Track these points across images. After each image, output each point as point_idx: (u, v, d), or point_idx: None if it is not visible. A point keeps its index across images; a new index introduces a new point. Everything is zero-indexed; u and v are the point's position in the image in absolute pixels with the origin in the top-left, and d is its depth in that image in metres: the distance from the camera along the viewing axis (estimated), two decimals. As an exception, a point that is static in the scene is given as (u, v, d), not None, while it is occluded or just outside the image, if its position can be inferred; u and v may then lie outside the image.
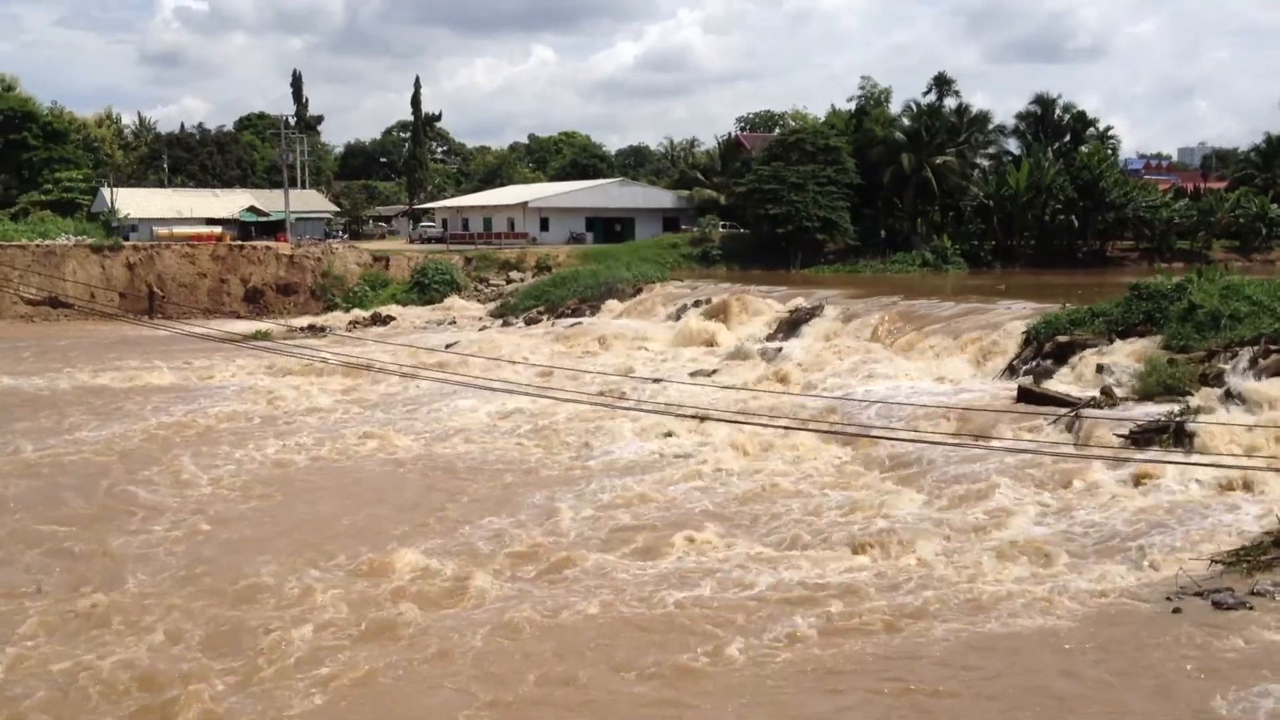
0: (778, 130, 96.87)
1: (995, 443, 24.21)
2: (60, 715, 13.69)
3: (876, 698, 13.80)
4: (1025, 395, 28.75)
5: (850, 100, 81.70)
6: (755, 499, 23.28)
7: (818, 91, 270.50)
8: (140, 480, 25.21)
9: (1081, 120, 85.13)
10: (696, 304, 50.42)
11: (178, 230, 78.90)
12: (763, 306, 47.43)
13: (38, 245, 70.15)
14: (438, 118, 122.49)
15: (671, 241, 77.24)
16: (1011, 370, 33.38)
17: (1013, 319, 36.93)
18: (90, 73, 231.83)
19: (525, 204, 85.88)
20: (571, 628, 16.23)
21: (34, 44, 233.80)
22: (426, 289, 67.98)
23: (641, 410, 29.42)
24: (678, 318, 49.37)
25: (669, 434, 29.22)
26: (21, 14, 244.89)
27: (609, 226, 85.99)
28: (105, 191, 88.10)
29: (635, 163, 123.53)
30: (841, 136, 76.74)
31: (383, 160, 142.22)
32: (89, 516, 22.37)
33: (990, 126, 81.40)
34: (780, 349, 39.81)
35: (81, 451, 28.21)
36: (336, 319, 61.78)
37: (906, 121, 78.40)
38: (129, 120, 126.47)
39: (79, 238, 74.07)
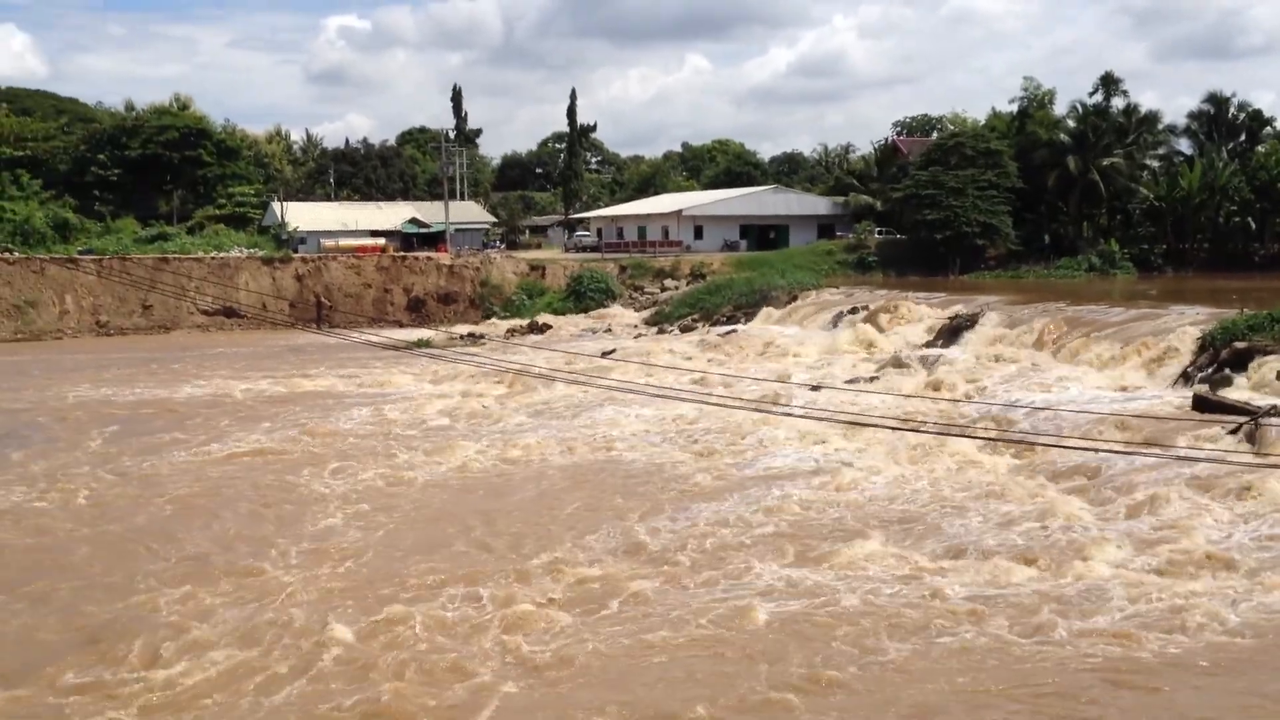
0: (935, 134, 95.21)
1: (1171, 452, 23.28)
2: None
3: (1051, 716, 13.37)
4: (1201, 403, 27.60)
5: (1012, 102, 79.85)
6: (917, 508, 22.80)
7: (977, 94, 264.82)
8: (303, 482, 25.98)
9: (1258, 119, 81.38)
10: (853, 311, 49.79)
11: (343, 242, 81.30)
12: (921, 313, 46.61)
13: (212, 258, 73.18)
14: (593, 128, 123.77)
15: (826, 248, 76.49)
16: (1186, 378, 32.09)
17: (1186, 325, 35.49)
18: (260, 92, 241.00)
19: (679, 212, 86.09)
20: (734, 634, 16.11)
21: (207, 65, 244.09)
22: (582, 297, 68.69)
23: (799, 417, 29.17)
24: (834, 325, 48.83)
25: (827, 441, 28.91)
26: (196, 37, 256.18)
27: (763, 234, 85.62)
28: (275, 205, 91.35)
29: (789, 170, 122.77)
30: (1003, 139, 74.96)
31: (538, 171, 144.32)
32: (264, 512, 23.20)
33: (1160, 127, 78.47)
34: (940, 356, 39.05)
35: (263, 454, 29.33)
36: (495, 327, 62.81)
37: (1071, 123, 76.13)
38: (297, 136, 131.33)
39: (251, 250, 77.01)
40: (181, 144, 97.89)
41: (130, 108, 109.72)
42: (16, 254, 69.42)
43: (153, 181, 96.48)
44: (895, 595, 17.54)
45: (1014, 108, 79.20)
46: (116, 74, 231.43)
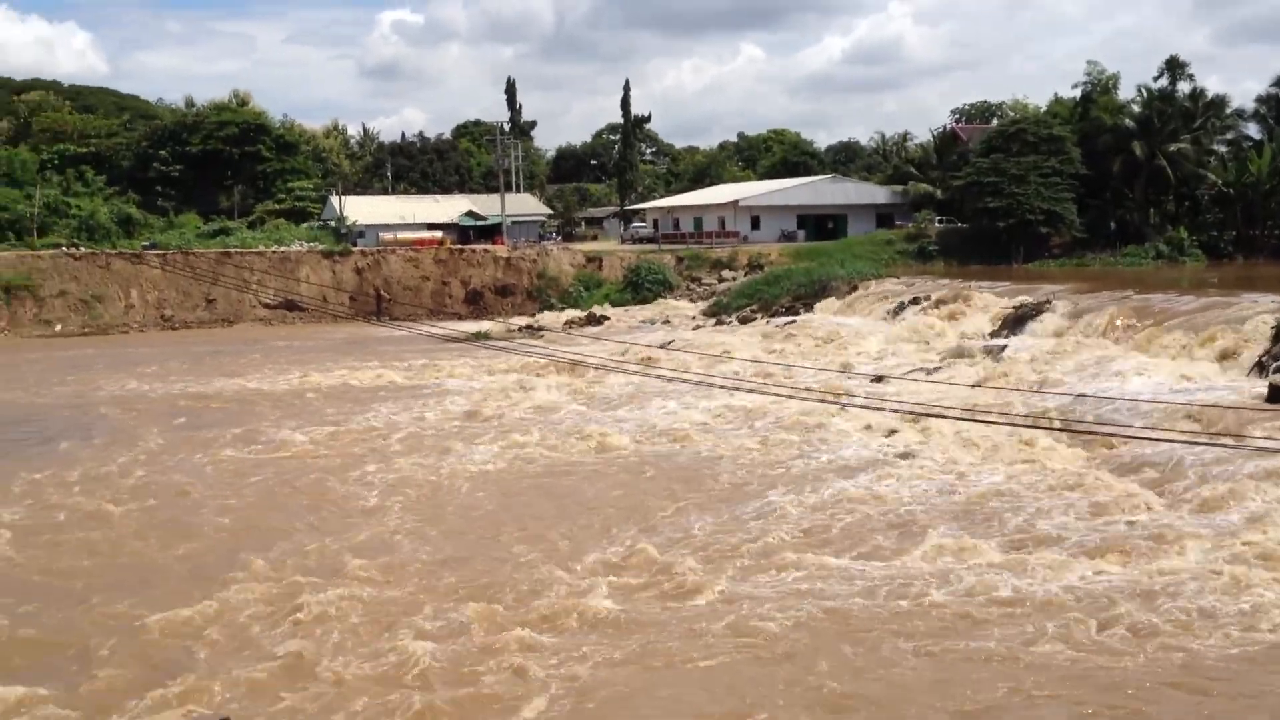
0: (995, 121, 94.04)
1: (1246, 443, 22.69)
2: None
3: (1125, 714, 13.05)
4: (1277, 394, 26.92)
5: (1075, 87, 78.41)
6: (985, 500, 22.43)
7: (1036, 80, 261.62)
8: (359, 475, 26.05)
9: (1329, 102, 79.36)
10: (915, 300, 49.24)
11: (401, 235, 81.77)
12: (985, 302, 45.97)
13: (274, 252, 73.88)
14: (647, 119, 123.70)
15: (886, 238, 75.79)
16: (1261, 368, 31.31)
17: (1261, 313, 34.66)
18: (316, 87, 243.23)
19: (736, 203, 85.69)
20: (799, 630, 15.89)
21: (265, 61, 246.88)
22: (639, 289, 68.58)
23: (862, 408, 28.86)
24: (895, 315, 48.33)
25: (891, 432, 28.60)
26: (253, 33, 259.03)
27: (821, 224, 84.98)
28: (334, 199, 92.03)
29: (845, 158, 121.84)
30: (1065, 125, 73.76)
31: (593, 163, 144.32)
32: (322, 505, 23.29)
33: (1227, 111, 76.73)
34: (1005, 346, 38.47)
35: (323, 446, 29.49)
36: (552, 319, 62.93)
37: (1136, 108, 74.75)
38: (354, 131, 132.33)
39: (311, 244, 77.65)
40: (241, 139, 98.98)
41: (190, 104, 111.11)
42: (83, 249, 70.44)
43: (213, 177, 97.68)
44: (962, 589, 17.24)
45: (1076, 93, 77.90)
46: (176, 71, 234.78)
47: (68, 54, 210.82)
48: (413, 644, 15.35)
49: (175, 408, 36.35)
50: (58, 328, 63.63)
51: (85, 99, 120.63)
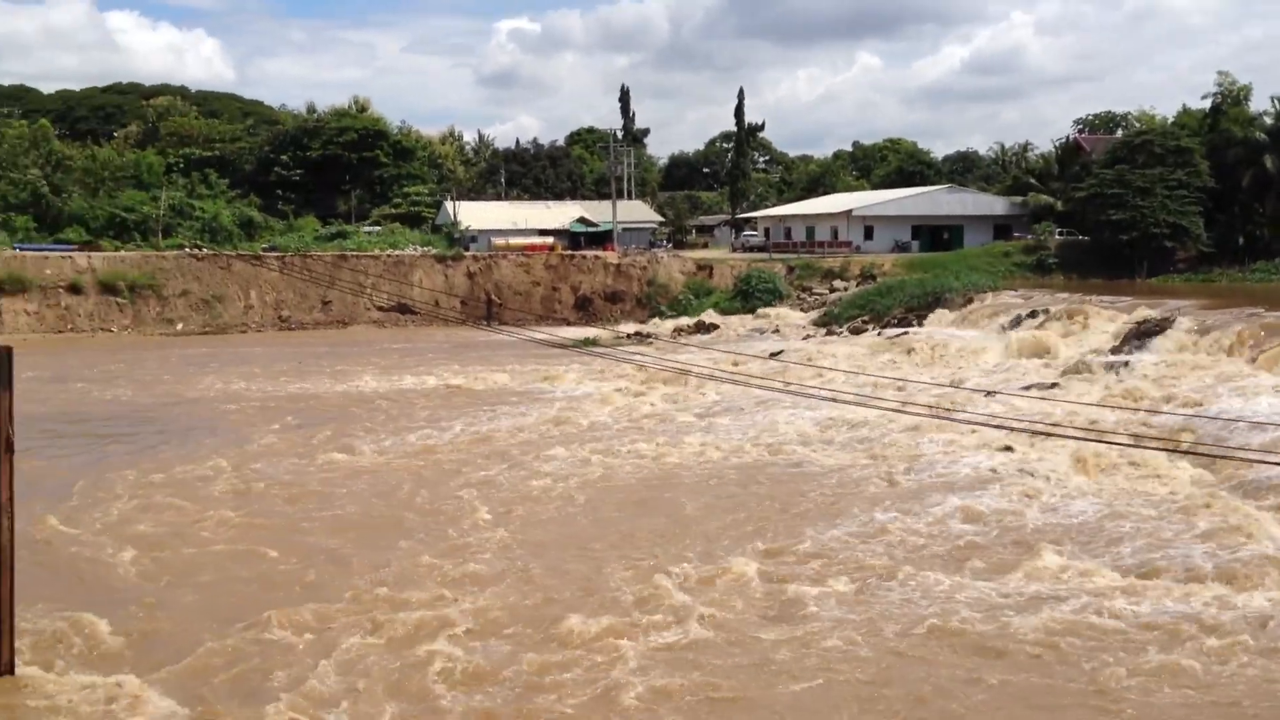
0: (1119, 132, 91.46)
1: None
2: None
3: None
4: None
5: (1204, 98, 75.87)
6: (1103, 521, 21.71)
7: (1160, 92, 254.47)
8: (467, 481, 26.04)
9: None
10: (1032, 314, 47.96)
11: (513, 241, 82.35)
12: (1106, 317, 44.55)
13: (388, 255, 74.96)
14: (760, 128, 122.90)
15: (1003, 250, 74.08)
16: (1402, 389, 29.77)
17: (1402, 332, 32.99)
18: (434, 94, 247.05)
19: (849, 212, 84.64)
20: (911, 648, 15.40)
21: (384, 69, 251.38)
22: (749, 297, 68.01)
23: (976, 423, 28.08)
24: (1012, 328, 47.11)
25: (1006, 449, 27.80)
26: (374, 42, 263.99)
27: (936, 234, 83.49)
28: (448, 204, 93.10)
29: (963, 169, 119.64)
30: (1193, 137, 71.39)
31: (705, 171, 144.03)
32: (435, 506, 23.33)
33: (1365, 124, 73.49)
34: (1126, 363, 37.21)
35: (434, 450, 29.68)
36: (661, 326, 62.73)
37: (1269, 120, 72.05)
38: (469, 137, 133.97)
39: (424, 248, 78.65)
40: (360, 145, 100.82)
41: (311, 110, 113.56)
42: (205, 250, 72.25)
43: (332, 181, 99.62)
44: (1077, 612, 16.67)
45: (1205, 104, 75.35)
46: (299, 78, 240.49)
47: (196, 60, 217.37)
48: (517, 653, 15.16)
49: (288, 407, 36.92)
50: (179, 326, 65.28)
51: (211, 104, 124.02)
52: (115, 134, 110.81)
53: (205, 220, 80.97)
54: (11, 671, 13.86)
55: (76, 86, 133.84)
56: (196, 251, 71.47)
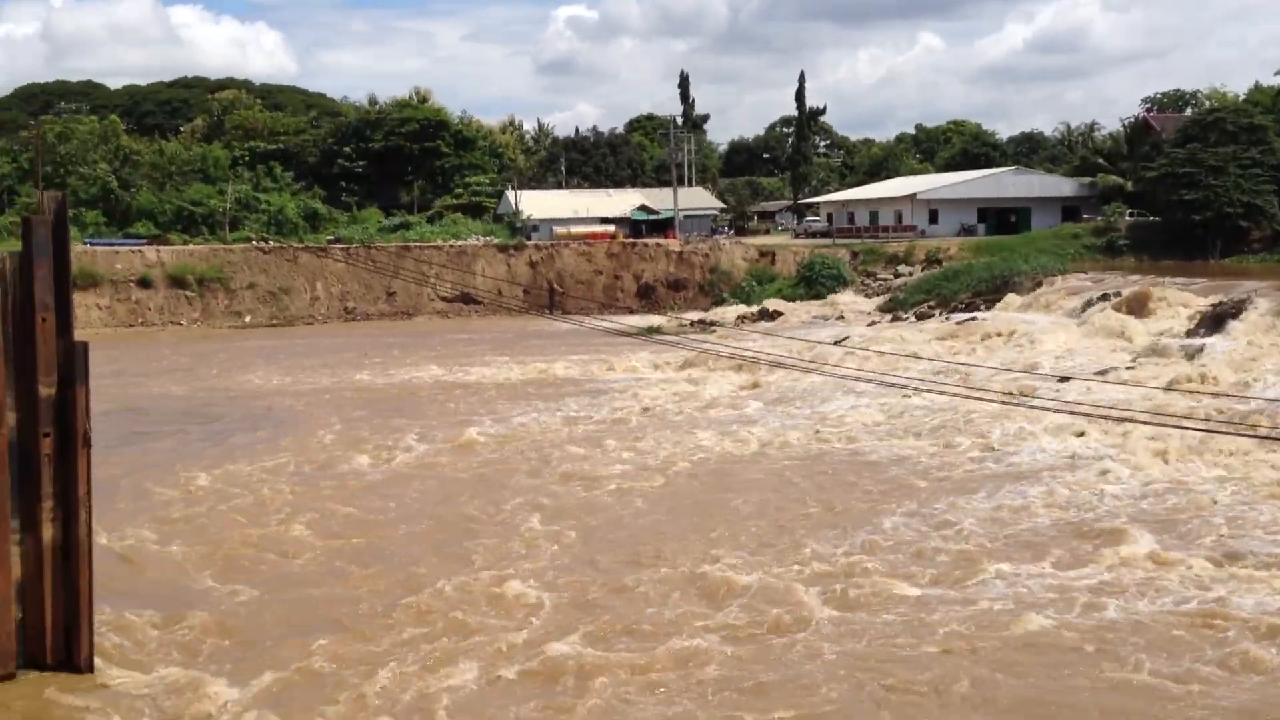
0: (1189, 110, 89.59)
1: None
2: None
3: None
4: None
5: (1278, 74, 74.16)
6: (1183, 509, 21.18)
7: (1231, 68, 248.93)
8: (538, 472, 25.95)
9: None
10: (1104, 297, 47.00)
11: (574, 229, 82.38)
12: (1180, 300, 43.56)
13: (451, 246, 75.31)
14: (822, 112, 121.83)
15: (1072, 232, 72.86)
16: None
17: None
18: (493, 83, 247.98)
19: (913, 196, 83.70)
20: (993, 646, 15.03)
21: (445, 59, 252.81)
22: (813, 284, 67.42)
23: (1048, 409, 27.52)
24: (1083, 312, 46.21)
25: (1080, 435, 27.23)
26: (434, 31, 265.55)
27: (1002, 217, 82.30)
28: (509, 194, 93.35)
29: (1028, 150, 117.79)
30: (1267, 114, 69.74)
31: (766, 156, 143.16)
32: (502, 496, 23.26)
33: None
34: (1202, 346, 36.30)
35: (501, 441, 29.61)
36: (724, 314, 62.42)
37: (1347, 95, 70.27)
38: (529, 126, 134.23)
39: (487, 238, 78.90)
40: (421, 136, 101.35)
41: (373, 101, 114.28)
42: (271, 243, 73.00)
43: (394, 172, 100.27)
44: (1158, 603, 16.25)
45: (1278, 81, 73.58)
46: (360, 69, 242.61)
47: (258, 54, 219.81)
48: (582, 650, 15.01)
49: (355, 399, 37.11)
50: (247, 319, 66.01)
51: (274, 97, 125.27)
52: (181, 128, 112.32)
53: (271, 213, 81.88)
54: (90, 668, 13.92)
55: (143, 82, 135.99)
56: (263, 244, 72.24)
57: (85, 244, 68.02)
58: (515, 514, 21.98)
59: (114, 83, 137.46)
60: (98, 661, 14.09)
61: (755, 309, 62.50)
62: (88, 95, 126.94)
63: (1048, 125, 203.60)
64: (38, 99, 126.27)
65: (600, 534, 20.54)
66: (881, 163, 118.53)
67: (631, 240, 79.48)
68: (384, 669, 14.22)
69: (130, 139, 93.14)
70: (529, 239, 79.78)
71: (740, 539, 20.09)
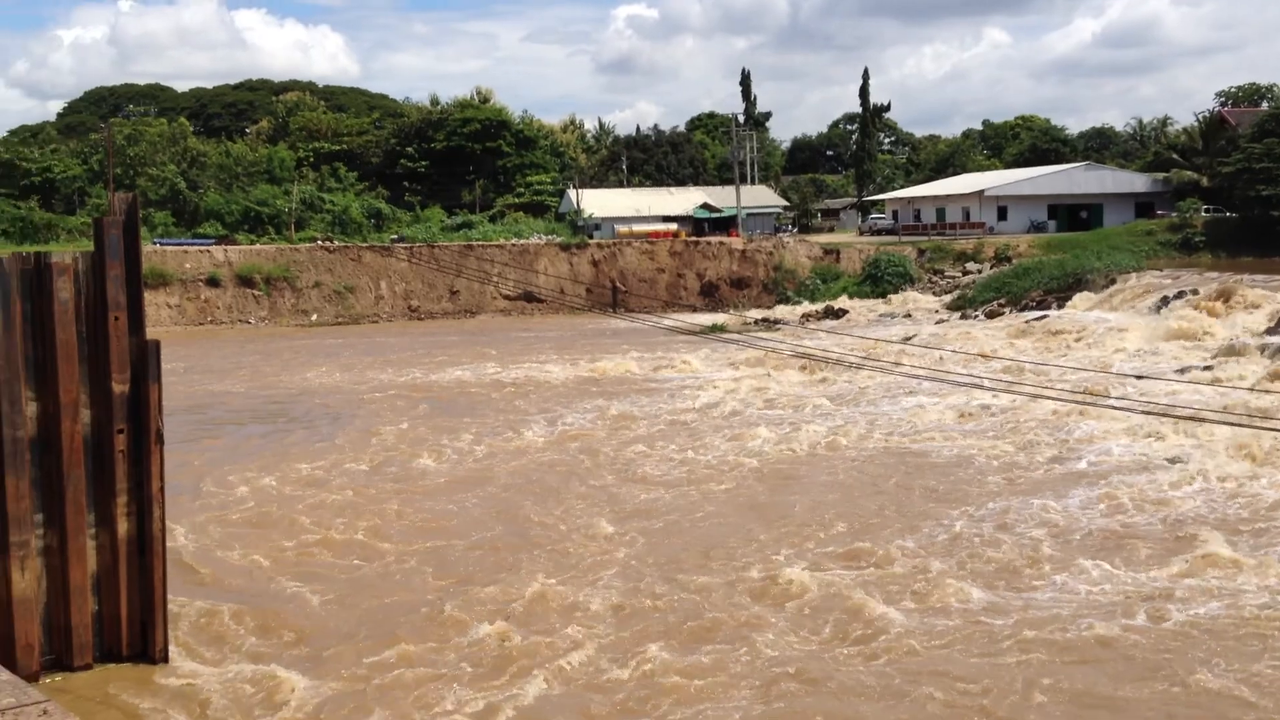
0: (1266, 104, 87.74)
1: None
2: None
3: None
4: None
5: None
6: (1265, 513, 20.47)
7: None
8: (600, 473, 25.76)
9: None
10: (1179, 295, 46.02)
11: (636, 228, 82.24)
12: (1260, 297, 42.50)
13: (513, 245, 75.48)
14: (886, 108, 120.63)
15: (1146, 228, 71.59)
16: None
17: None
18: (553, 83, 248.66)
19: (981, 192, 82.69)
20: (1059, 644, 14.66)
21: (505, 59, 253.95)
22: (879, 281, 66.79)
23: (1123, 409, 26.90)
24: (1158, 310, 45.29)
25: (1156, 436, 26.53)
26: (495, 32, 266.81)
27: (1073, 214, 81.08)
28: (571, 193, 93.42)
29: (1098, 145, 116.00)
30: (1348, 107, 68.10)
31: (829, 153, 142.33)
32: (568, 490, 23.14)
33: None
34: (1284, 344, 35.38)
35: (568, 439, 29.56)
36: (788, 312, 62.04)
37: None
38: (590, 125, 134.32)
39: (549, 237, 78.99)
40: (483, 136, 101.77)
41: (435, 102, 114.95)
42: (336, 243, 73.61)
43: (457, 172, 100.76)
44: (1233, 610, 15.75)
45: (1359, 73, 71.72)
46: (422, 70, 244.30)
47: (322, 57, 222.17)
48: (656, 652, 14.82)
49: (419, 397, 37.20)
50: (313, 317, 66.57)
51: (338, 99, 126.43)
52: (247, 130, 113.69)
53: (336, 213, 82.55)
54: (165, 659, 14.00)
55: (209, 84, 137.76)
56: (328, 244, 72.86)
57: (155, 244, 68.96)
58: (578, 517, 21.74)
59: (181, 86, 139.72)
60: (171, 653, 14.16)
61: (820, 307, 62.04)
62: (155, 98, 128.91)
63: (1119, 120, 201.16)
64: (107, 102, 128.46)
65: (665, 536, 20.30)
66: (948, 159, 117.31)
67: (694, 238, 79.20)
68: (451, 674, 14.09)
69: (197, 141, 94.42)
70: (591, 238, 79.76)
71: (806, 542, 19.74)
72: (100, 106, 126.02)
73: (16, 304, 13.03)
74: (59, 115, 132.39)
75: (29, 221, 79.19)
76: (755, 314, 60.99)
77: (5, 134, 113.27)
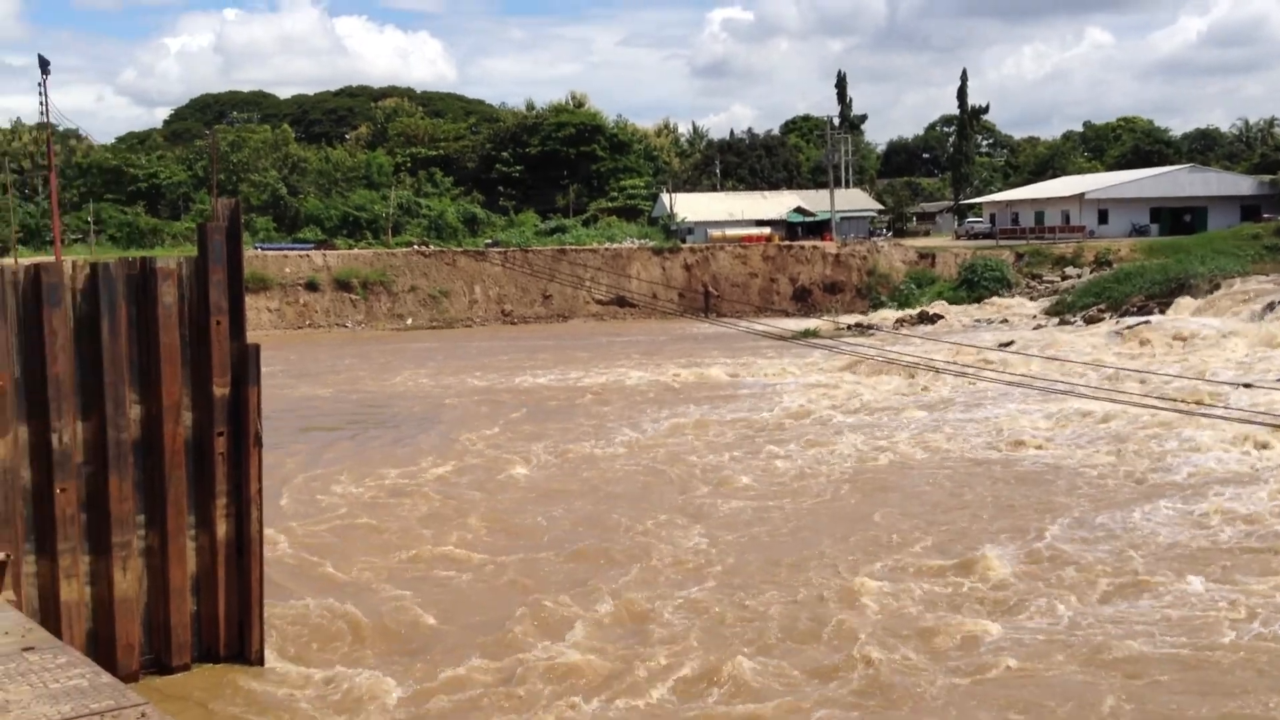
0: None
1: None
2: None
3: None
4: None
5: None
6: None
7: None
8: (689, 480, 25.68)
9: None
10: (1287, 300, 44.73)
11: (729, 232, 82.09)
12: (1373, 303, 41.17)
13: (606, 249, 75.79)
14: (984, 110, 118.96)
15: (1251, 232, 69.56)
16: None
17: None
18: (647, 87, 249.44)
19: (1081, 195, 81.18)
20: (1165, 661, 14.27)
21: (599, 64, 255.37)
22: (975, 286, 65.89)
23: (1227, 418, 26.16)
24: (1264, 315, 44.03)
25: (1262, 446, 25.75)
26: (590, 37, 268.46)
27: (1176, 217, 79.21)
28: (664, 197, 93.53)
29: (1203, 147, 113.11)
30: None
31: (925, 156, 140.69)
32: (656, 493, 23.13)
33: None
34: (1400, 352, 34.19)
35: (659, 443, 29.58)
36: (883, 317, 61.50)
37: None
38: (684, 129, 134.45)
39: (641, 241, 79.16)
40: (577, 140, 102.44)
41: (530, 107, 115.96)
42: (432, 247, 74.56)
43: (551, 176, 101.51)
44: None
45: None
46: (518, 75, 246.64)
47: (420, 63, 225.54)
48: (744, 661, 14.74)
49: (513, 401, 37.50)
50: (408, 321, 67.49)
51: (435, 105, 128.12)
52: (347, 135, 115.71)
53: (432, 218, 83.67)
54: (261, 661, 14.23)
55: (310, 91, 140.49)
56: (424, 248, 73.85)
57: (256, 249, 70.49)
58: (664, 528, 21.38)
59: (283, 92, 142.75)
60: (268, 654, 14.39)
61: (914, 312, 61.37)
62: (258, 105, 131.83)
63: (1224, 121, 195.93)
64: (211, 109, 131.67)
65: (751, 548, 20.02)
66: (1047, 161, 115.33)
67: (787, 243, 78.84)
68: (543, 686, 14.09)
69: (298, 147, 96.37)
70: (684, 242, 79.78)
71: (894, 554, 19.36)
72: (205, 113, 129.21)
73: (122, 308, 13.31)
74: (165, 122, 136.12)
75: (135, 227, 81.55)
76: (848, 319, 60.49)
77: (114, 141, 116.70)
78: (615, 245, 77.36)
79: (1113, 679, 13.88)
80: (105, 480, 13.20)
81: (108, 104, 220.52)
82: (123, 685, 3.92)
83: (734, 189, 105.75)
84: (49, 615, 12.77)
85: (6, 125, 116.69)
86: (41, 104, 43.59)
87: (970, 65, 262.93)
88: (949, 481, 24.62)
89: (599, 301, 71.02)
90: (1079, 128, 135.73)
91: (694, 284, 72.04)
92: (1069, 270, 66.62)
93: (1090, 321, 51.89)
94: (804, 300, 71.15)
